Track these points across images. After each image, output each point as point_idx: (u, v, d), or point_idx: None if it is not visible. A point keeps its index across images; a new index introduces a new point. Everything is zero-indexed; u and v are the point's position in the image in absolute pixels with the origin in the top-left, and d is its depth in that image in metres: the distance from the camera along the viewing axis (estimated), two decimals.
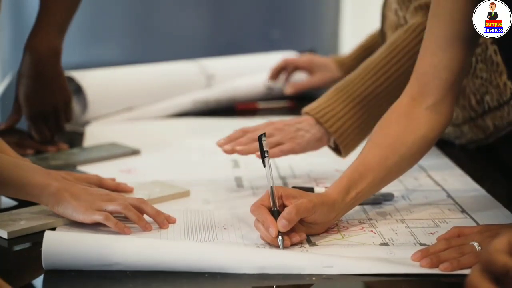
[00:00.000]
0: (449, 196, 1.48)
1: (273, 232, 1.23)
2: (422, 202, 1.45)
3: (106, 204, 1.30)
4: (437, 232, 1.30)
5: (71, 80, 1.98)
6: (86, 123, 1.97)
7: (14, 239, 1.29)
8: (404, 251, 1.22)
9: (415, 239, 1.29)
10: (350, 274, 1.16)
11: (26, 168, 1.30)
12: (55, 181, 1.30)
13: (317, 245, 1.26)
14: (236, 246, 1.24)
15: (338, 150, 1.58)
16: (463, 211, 1.41)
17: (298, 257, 1.19)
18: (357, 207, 1.41)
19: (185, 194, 1.48)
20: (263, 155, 1.30)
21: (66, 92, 1.78)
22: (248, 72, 2.27)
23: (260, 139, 1.31)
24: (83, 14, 3.16)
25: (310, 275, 1.16)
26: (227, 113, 2.12)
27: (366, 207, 1.42)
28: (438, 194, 1.50)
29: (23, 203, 1.40)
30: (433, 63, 1.33)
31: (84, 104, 1.99)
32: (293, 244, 1.25)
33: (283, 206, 1.26)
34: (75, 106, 1.97)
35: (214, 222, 1.35)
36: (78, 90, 1.99)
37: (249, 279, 1.16)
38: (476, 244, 1.18)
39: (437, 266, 1.16)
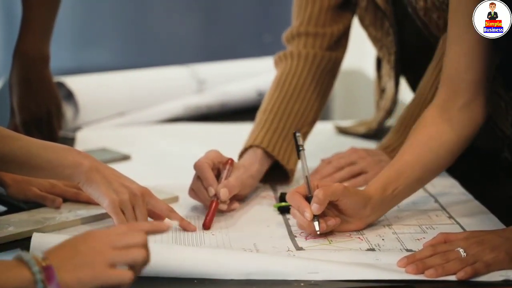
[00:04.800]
0: (436, 202, 1.49)
1: (308, 216, 1.29)
2: (410, 208, 1.46)
3: (130, 208, 1.31)
4: (424, 238, 1.31)
5: (62, 85, 1.99)
6: (77, 128, 1.98)
7: (2, 245, 1.29)
8: (390, 257, 1.22)
9: (401, 245, 1.29)
10: (335, 280, 1.16)
11: (57, 149, 1.31)
12: (86, 160, 1.31)
13: (304, 250, 1.27)
14: (224, 252, 1.25)
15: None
16: (451, 217, 1.42)
17: (283, 263, 1.19)
18: None
19: (174, 199, 1.48)
20: (298, 149, 1.36)
21: (55, 98, 1.79)
22: (239, 77, 2.27)
23: (294, 135, 1.37)
24: (75, 19, 3.18)
25: (298, 281, 1.16)
26: (218, 119, 2.12)
27: None
28: (426, 200, 1.50)
29: (11, 209, 1.41)
30: (455, 67, 1.36)
31: (75, 110, 1.99)
32: (328, 230, 1.30)
33: None
34: (67, 111, 1.97)
35: (201, 228, 1.36)
36: (69, 95, 2.00)
37: (237, 285, 1.17)
38: (461, 250, 1.19)
39: (422, 272, 1.17)
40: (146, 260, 1.02)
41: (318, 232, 1.29)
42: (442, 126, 1.37)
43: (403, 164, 1.36)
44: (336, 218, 1.31)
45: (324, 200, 1.29)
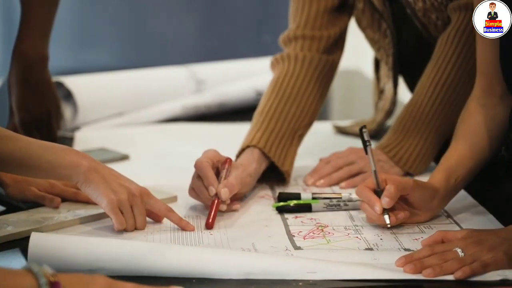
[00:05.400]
0: None
1: (378, 209, 1.32)
2: None
3: (128, 208, 1.32)
4: (422, 237, 1.31)
5: (61, 85, 1.99)
6: (76, 128, 1.98)
7: (1, 244, 1.29)
8: (388, 257, 1.23)
9: (399, 244, 1.30)
10: (334, 279, 1.17)
11: (56, 150, 1.31)
12: (85, 160, 1.32)
13: (302, 249, 1.27)
14: (223, 251, 1.25)
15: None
16: (449, 216, 1.42)
17: (282, 262, 1.20)
18: (343, 213, 1.43)
19: (173, 199, 1.48)
20: (365, 144, 1.37)
21: (54, 99, 1.79)
22: (238, 77, 2.27)
23: (361, 131, 1.38)
24: (74, 19, 3.19)
25: (296, 281, 1.17)
26: (217, 119, 2.13)
27: (352, 212, 1.44)
28: None
29: (10, 209, 1.41)
30: (487, 60, 1.38)
31: (74, 110, 1.99)
32: (398, 222, 1.34)
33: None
34: (65, 111, 1.98)
35: (201, 228, 1.37)
36: (68, 95, 2.00)
37: (235, 285, 1.17)
38: (459, 250, 1.19)
39: (420, 272, 1.17)
40: None
41: (389, 225, 1.33)
42: (487, 114, 1.41)
43: (459, 154, 1.40)
44: (405, 211, 1.35)
45: (395, 194, 1.32)
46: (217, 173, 1.46)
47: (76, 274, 1.00)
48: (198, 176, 1.44)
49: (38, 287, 0.95)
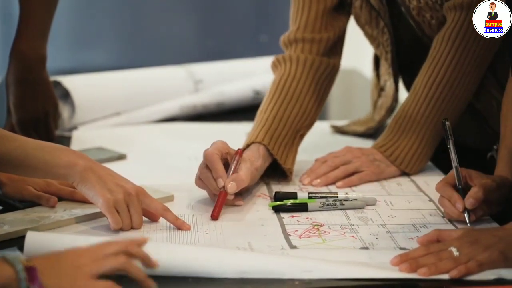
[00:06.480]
0: (431, 200, 1.49)
1: (460, 207, 1.34)
2: (404, 207, 1.47)
3: (124, 207, 1.32)
4: (417, 236, 1.30)
5: (58, 84, 1.99)
6: (73, 127, 1.98)
7: None
8: (384, 256, 1.23)
9: (395, 243, 1.30)
10: (329, 278, 1.17)
11: (52, 149, 1.32)
12: (81, 160, 1.32)
13: (298, 248, 1.27)
14: (219, 250, 1.26)
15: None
16: (444, 215, 1.42)
17: (278, 261, 1.20)
18: (339, 212, 1.44)
19: (169, 198, 1.49)
20: (447, 138, 1.38)
21: (52, 98, 1.80)
22: (235, 77, 2.28)
23: (444, 123, 1.38)
24: (71, 19, 3.19)
25: (292, 280, 1.17)
26: (215, 118, 2.13)
27: (348, 212, 1.44)
28: (420, 199, 1.51)
29: (7, 208, 1.41)
30: None
31: (72, 109, 2.00)
32: (475, 220, 1.35)
33: (466, 185, 1.35)
34: (63, 110, 1.98)
35: (197, 227, 1.37)
36: (66, 94, 2.00)
37: (231, 284, 1.17)
38: (454, 250, 1.19)
39: (415, 271, 1.17)
40: (125, 265, 1.05)
41: (469, 224, 1.34)
42: None
43: None
44: (484, 209, 1.35)
45: (482, 199, 1.33)
46: (225, 164, 1.46)
47: (49, 253, 1.03)
48: (207, 167, 1.44)
49: (16, 273, 0.96)
